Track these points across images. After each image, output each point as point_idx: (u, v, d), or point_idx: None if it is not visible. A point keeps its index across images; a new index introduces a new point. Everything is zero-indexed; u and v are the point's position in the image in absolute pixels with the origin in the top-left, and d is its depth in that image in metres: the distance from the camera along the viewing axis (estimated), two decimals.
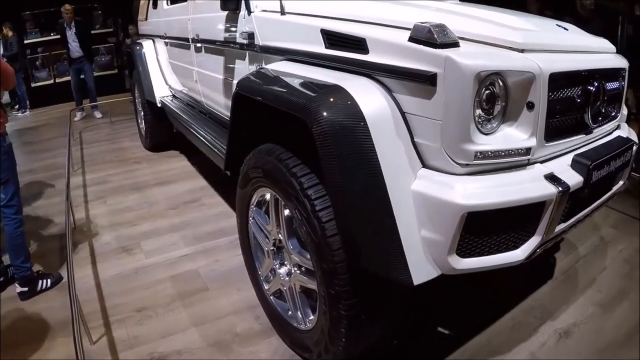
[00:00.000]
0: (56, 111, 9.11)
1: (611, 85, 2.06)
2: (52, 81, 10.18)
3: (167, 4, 4.49)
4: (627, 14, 4.58)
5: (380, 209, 1.50)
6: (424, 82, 1.49)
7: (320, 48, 1.95)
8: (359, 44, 1.75)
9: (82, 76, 7.89)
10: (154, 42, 5.20)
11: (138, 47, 5.32)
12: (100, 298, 2.71)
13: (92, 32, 9.83)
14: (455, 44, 1.51)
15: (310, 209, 1.68)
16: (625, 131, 2.33)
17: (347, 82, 1.66)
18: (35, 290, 2.76)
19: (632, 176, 4.18)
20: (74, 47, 7.55)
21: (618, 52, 2.39)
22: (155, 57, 5.14)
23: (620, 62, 2.21)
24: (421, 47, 1.51)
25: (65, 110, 7.61)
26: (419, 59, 1.51)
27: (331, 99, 1.59)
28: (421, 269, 1.52)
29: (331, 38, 1.90)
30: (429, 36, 1.49)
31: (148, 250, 3.29)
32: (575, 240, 3.37)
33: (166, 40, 4.66)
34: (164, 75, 5.02)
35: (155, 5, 4.98)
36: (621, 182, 2.24)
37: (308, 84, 1.80)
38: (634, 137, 2.31)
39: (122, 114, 7.74)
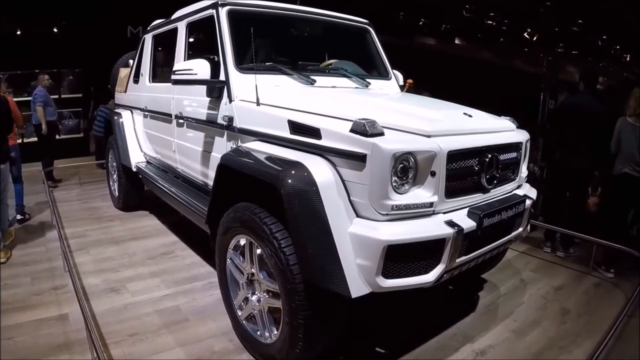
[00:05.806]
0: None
1: (505, 156, 2.67)
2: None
3: (150, 82, 4.88)
4: None
5: (327, 245, 2.06)
6: (358, 159, 2.10)
7: (286, 133, 2.54)
8: (315, 132, 2.35)
9: None
10: (131, 112, 5.53)
11: (117, 117, 5.62)
12: (97, 326, 3.04)
13: (63, 96, 10.01)
14: (381, 134, 2.11)
15: (278, 247, 2.25)
16: (525, 190, 2.92)
17: (306, 159, 2.26)
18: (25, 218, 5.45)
19: None
20: None
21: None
22: (132, 126, 5.47)
23: (517, 137, 2.81)
24: (357, 136, 2.11)
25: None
26: (356, 144, 2.12)
27: (294, 171, 2.19)
28: (357, 286, 2.06)
29: (295, 126, 2.49)
30: (363, 129, 2.10)
31: (134, 290, 3.62)
32: (497, 281, 3.90)
33: (145, 113, 4.97)
34: (140, 143, 5.36)
35: (136, 81, 5.30)
36: (521, 229, 2.81)
37: (277, 159, 2.39)
38: (532, 194, 2.91)
39: (88, 175, 7.96)
